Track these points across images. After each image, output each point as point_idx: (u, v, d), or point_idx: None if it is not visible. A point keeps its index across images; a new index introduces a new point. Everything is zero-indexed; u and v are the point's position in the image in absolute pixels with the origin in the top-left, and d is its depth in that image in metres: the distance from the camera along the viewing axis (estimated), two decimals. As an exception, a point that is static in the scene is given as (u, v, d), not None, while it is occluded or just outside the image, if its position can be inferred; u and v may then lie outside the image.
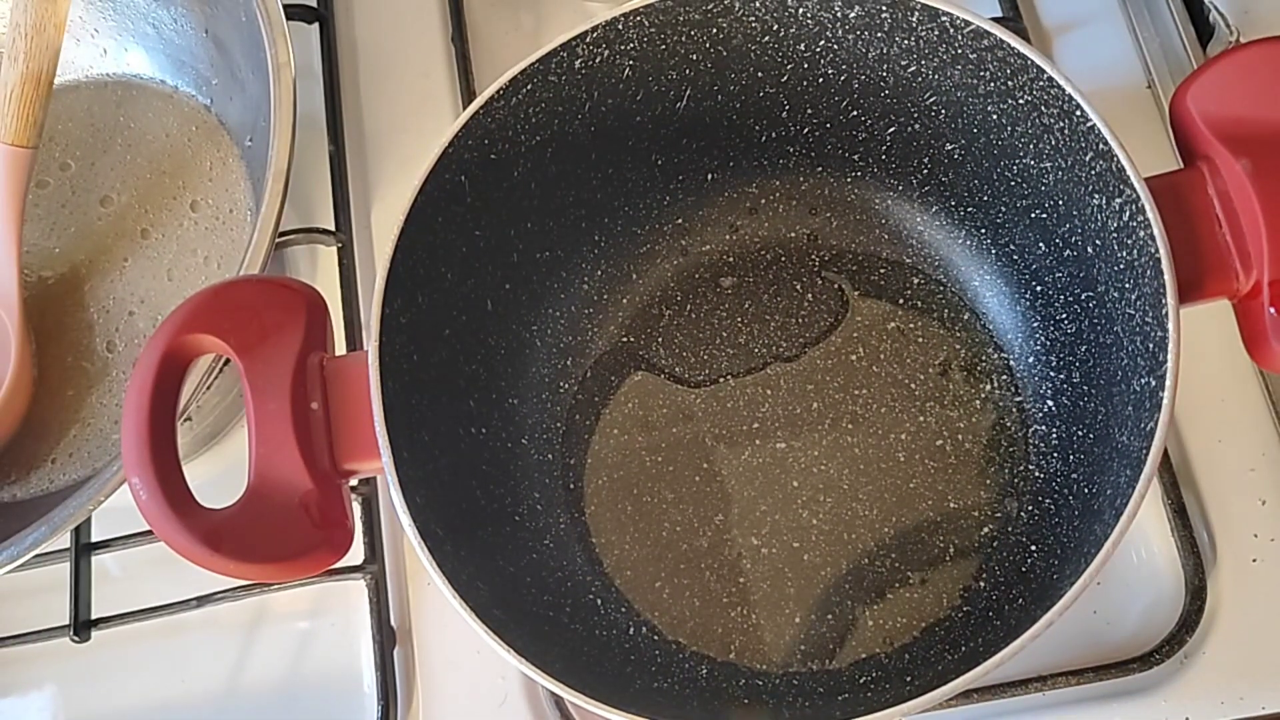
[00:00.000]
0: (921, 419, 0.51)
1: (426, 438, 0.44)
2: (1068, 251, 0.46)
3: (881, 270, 0.53)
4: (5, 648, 0.57)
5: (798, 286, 0.53)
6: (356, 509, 0.55)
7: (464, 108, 0.45)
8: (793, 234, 0.54)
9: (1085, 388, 0.47)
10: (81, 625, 0.55)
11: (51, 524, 0.48)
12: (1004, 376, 0.51)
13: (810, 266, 0.54)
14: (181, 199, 0.60)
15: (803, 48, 0.47)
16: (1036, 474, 0.49)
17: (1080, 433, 0.47)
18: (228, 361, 0.44)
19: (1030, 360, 0.50)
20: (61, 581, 0.56)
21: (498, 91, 0.45)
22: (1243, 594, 0.50)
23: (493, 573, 0.45)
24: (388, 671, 0.53)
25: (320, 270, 0.61)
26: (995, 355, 0.51)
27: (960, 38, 0.44)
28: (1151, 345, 0.40)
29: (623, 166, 0.52)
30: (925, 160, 0.51)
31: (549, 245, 0.52)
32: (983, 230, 0.51)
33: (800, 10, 0.46)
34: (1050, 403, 0.49)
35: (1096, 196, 0.42)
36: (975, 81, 0.45)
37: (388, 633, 0.54)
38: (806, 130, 0.52)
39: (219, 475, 0.57)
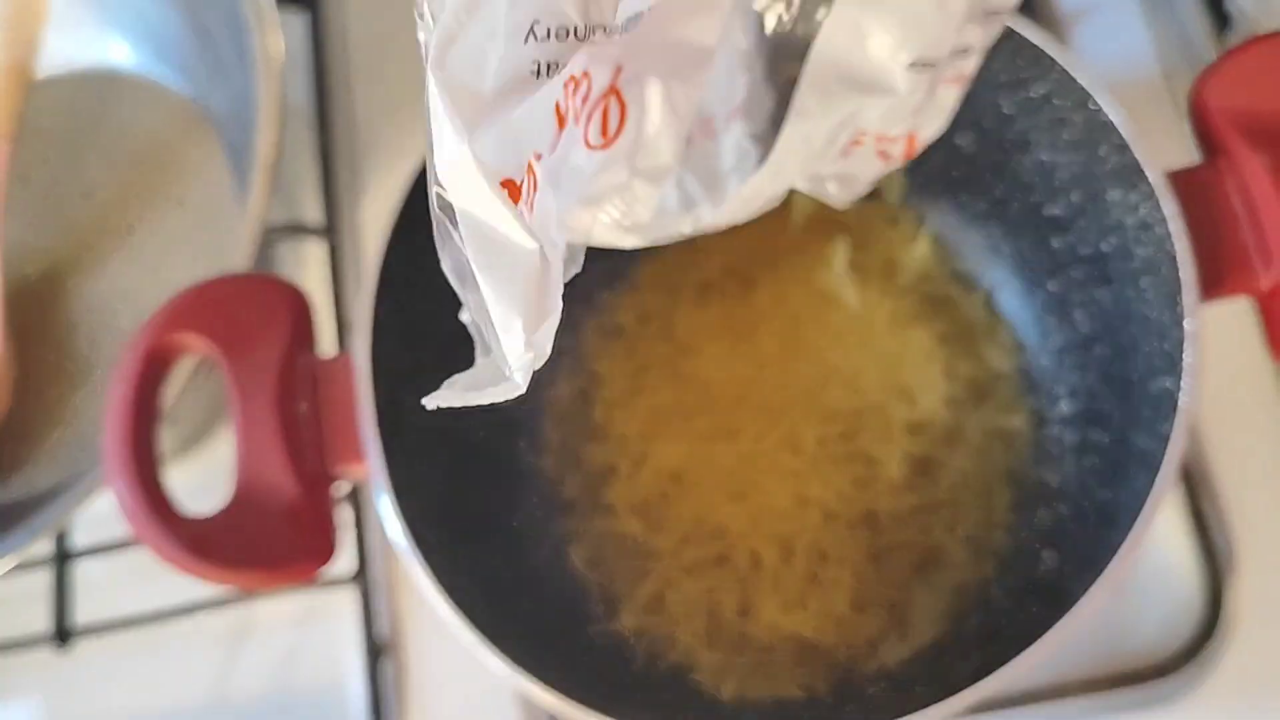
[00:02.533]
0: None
1: (417, 441, 0.43)
2: (1083, 248, 0.45)
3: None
4: (-15, 655, 0.56)
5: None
6: (346, 515, 0.54)
7: (458, 99, 0.44)
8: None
9: (1101, 390, 0.46)
10: (64, 633, 0.54)
11: (32, 529, 0.47)
12: (1018, 378, 0.50)
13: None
14: (166, 193, 0.59)
15: (809, 37, 0.46)
16: (1051, 479, 0.48)
17: (1096, 436, 0.46)
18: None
19: (1045, 361, 0.49)
20: (43, 588, 0.55)
21: (493, 82, 0.44)
22: (1262, 602, 0.49)
23: (486, 582, 0.44)
24: (376, 684, 0.52)
25: (308, 267, 0.60)
26: (1008, 357, 0.50)
27: (972, 27, 0.43)
28: (1170, 345, 0.39)
29: (621, 160, 0.51)
30: (936, 154, 0.49)
31: (545, 241, 0.51)
32: (995, 227, 0.50)
33: None
34: (1065, 405, 0.48)
35: (1113, 191, 0.42)
36: (987, 73, 0.44)
37: (376, 644, 0.53)
38: (811, 123, 0.51)
39: (204, 479, 0.56)
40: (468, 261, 0.25)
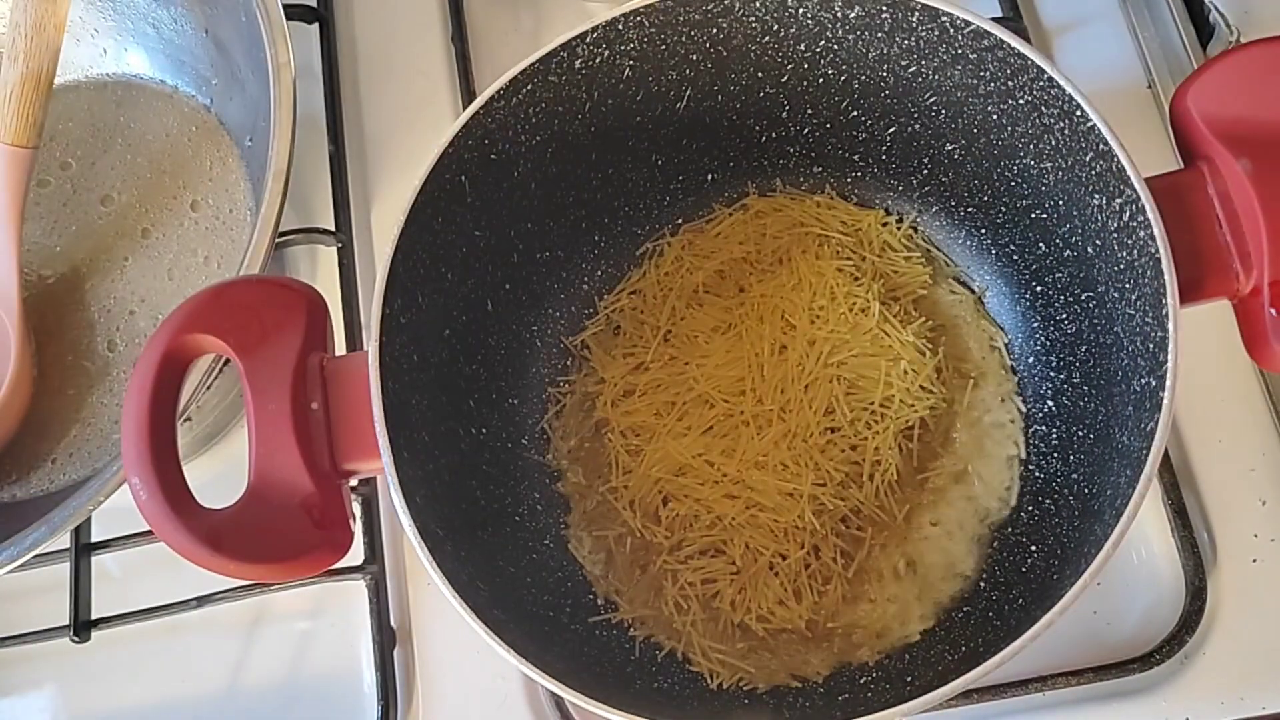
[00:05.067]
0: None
1: (426, 438, 0.44)
2: (1068, 251, 0.46)
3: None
4: (5, 648, 0.57)
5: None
6: (356, 509, 0.55)
7: (464, 108, 0.45)
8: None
9: (1085, 388, 0.47)
10: (81, 625, 0.55)
11: (52, 524, 0.48)
12: (1005, 377, 0.51)
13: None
14: (182, 199, 0.60)
15: (803, 48, 0.47)
16: (1037, 474, 0.49)
17: (1080, 433, 0.47)
18: (228, 361, 0.44)
19: (1030, 360, 0.50)
20: (62, 582, 0.56)
21: (498, 91, 0.45)
22: (1243, 594, 0.50)
23: (493, 573, 0.45)
24: (387, 672, 0.53)
25: (320, 270, 0.61)
26: (996, 356, 0.51)
27: (960, 38, 0.44)
28: (1152, 345, 0.40)
29: (623, 166, 0.52)
30: (925, 160, 0.51)
31: (549, 245, 0.52)
32: (983, 230, 0.51)
33: (800, 10, 0.46)
34: (1050, 403, 0.49)
35: (1097, 196, 0.42)
36: (975, 82, 0.45)
37: (387, 633, 0.54)
38: (806, 130, 0.52)
39: (219, 475, 0.57)
40: None
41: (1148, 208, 0.39)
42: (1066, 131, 0.42)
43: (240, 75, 0.57)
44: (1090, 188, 0.42)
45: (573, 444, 0.53)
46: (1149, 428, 0.39)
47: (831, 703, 0.46)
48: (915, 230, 0.53)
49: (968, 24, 0.43)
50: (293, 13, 0.61)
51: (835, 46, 0.47)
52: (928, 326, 0.51)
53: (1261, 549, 0.51)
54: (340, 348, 0.57)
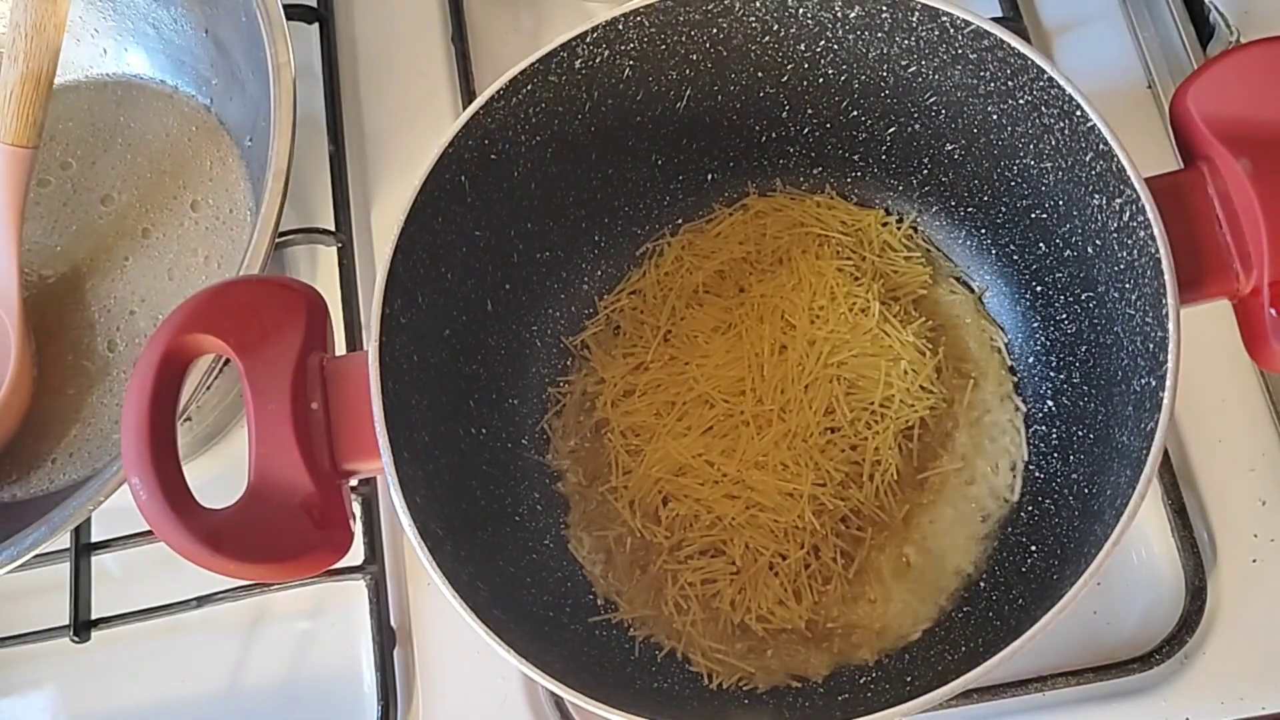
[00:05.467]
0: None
1: (426, 438, 0.44)
2: (1068, 251, 0.46)
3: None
4: (5, 648, 0.57)
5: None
6: (356, 509, 0.55)
7: (464, 108, 0.46)
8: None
9: (1085, 388, 0.47)
10: (81, 625, 0.55)
11: (51, 524, 0.48)
12: (1005, 377, 0.51)
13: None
14: (182, 198, 0.60)
15: (803, 48, 0.47)
16: (1036, 474, 0.49)
17: (1080, 433, 0.47)
18: (228, 361, 0.44)
19: (1030, 360, 0.50)
20: (61, 581, 0.56)
21: (498, 91, 0.45)
22: (1243, 594, 0.50)
23: (493, 573, 0.45)
24: (388, 672, 0.53)
25: (320, 270, 0.61)
26: (996, 356, 0.51)
27: (960, 38, 0.44)
28: (1152, 345, 0.40)
29: (623, 166, 0.52)
30: (925, 160, 0.51)
31: (549, 245, 0.52)
32: (983, 230, 0.51)
33: (800, 10, 0.46)
34: (1050, 403, 0.49)
35: (1096, 196, 0.42)
36: (975, 82, 0.45)
37: (387, 633, 0.54)
38: (806, 130, 0.52)
39: (219, 475, 0.57)
40: None
41: (1148, 208, 0.39)
42: (1066, 131, 0.42)
43: (240, 75, 0.57)
44: (1090, 188, 0.43)
45: (573, 444, 0.53)
46: (1149, 428, 0.39)
47: (831, 703, 0.46)
48: (915, 230, 0.54)
49: (968, 24, 0.43)
50: (293, 13, 0.61)
51: (835, 46, 0.47)
52: (928, 326, 0.51)
53: (1261, 549, 0.51)
54: (340, 348, 0.57)
